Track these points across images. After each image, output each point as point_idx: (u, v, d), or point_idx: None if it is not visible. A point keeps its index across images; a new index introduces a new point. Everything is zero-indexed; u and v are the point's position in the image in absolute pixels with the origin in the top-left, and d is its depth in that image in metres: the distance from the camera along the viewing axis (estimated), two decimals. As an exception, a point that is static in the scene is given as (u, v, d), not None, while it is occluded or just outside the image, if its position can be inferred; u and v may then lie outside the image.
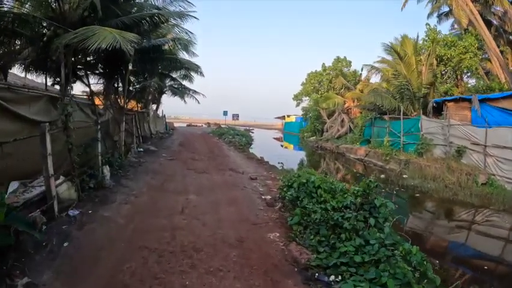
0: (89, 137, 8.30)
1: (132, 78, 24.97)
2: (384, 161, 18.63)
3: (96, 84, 16.08)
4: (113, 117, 11.13)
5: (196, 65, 24.14)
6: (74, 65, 11.70)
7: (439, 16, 28.71)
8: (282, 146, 38.89)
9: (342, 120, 32.01)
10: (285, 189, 8.03)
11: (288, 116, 56.06)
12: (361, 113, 29.79)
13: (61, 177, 6.50)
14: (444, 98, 19.43)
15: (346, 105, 32.92)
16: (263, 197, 8.48)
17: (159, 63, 18.54)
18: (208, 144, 19.56)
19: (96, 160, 8.15)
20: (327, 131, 33.22)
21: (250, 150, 20.60)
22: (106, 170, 8.45)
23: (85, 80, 10.63)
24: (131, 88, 21.12)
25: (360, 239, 5.31)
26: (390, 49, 24.02)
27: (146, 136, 18.75)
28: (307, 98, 46.87)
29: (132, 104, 19.50)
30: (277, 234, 5.66)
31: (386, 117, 22.26)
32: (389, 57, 27.54)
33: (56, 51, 7.75)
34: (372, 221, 5.72)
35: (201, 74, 25.51)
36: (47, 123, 5.32)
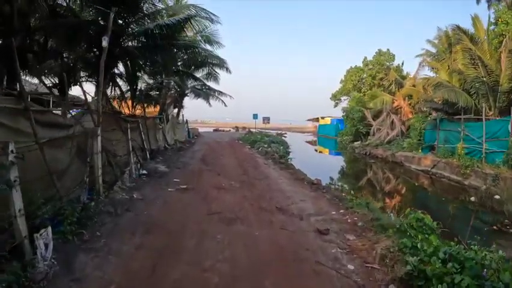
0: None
1: (147, 78, 21.13)
2: (462, 174, 14.26)
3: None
4: (93, 130, 6.81)
5: (221, 58, 19.85)
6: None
7: (489, 0, 23.93)
8: (316, 150, 34.02)
9: (392, 122, 26.97)
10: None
11: (323, 117, 51.04)
12: (412, 113, 25.30)
13: None
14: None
15: (395, 104, 27.79)
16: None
17: (173, 55, 14.28)
18: (239, 158, 14.94)
19: (15, 226, 3.82)
20: (373, 135, 28.33)
21: (289, 161, 15.97)
22: (43, 240, 4.09)
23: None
24: (142, 88, 17.16)
25: None
26: (458, 31, 18.72)
27: (159, 149, 14.54)
28: (347, 97, 41.86)
29: (139, 110, 15.46)
30: None
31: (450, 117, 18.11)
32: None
33: None
34: None
35: (228, 70, 21.18)
36: None
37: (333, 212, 7.40)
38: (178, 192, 7.97)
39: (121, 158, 8.53)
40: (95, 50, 11.07)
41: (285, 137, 36.81)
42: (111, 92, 13.76)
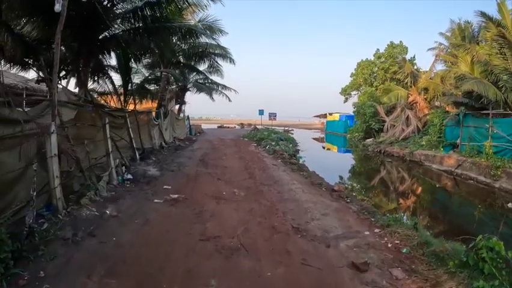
0: None
1: (145, 72, 19.45)
2: (491, 176, 12.64)
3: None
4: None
5: (224, 47, 18.08)
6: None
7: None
8: (324, 148, 32.17)
9: (407, 118, 25.15)
10: None
11: (331, 114, 49.02)
12: (428, 108, 23.81)
13: None
14: None
15: (410, 98, 26.09)
16: None
17: (169, 41, 12.59)
18: (244, 158, 13.11)
19: None
20: (386, 132, 26.51)
21: (301, 162, 14.25)
22: None
23: None
24: (135, 81, 15.49)
25: None
26: (483, 18, 17.01)
27: (154, 148, 12.87)
28: (357, 92, 39.95)
29: (136, 104, 13.84)
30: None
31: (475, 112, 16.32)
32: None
33: None
34: None
35: (232, 60, 19.41)
36: None
37: (366, 232, 5.70)
38: (166, 205, 6.25)
39: (96, 160, 6.87)
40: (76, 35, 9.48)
41: (291, 133, 35.02)
42: (92, 83, 12.10)
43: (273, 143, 17.70)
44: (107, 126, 7.11)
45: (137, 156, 9.95)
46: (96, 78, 12.68)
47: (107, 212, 5.56)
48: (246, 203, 6.67)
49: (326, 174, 12.43)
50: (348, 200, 7.72)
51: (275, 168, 10.98)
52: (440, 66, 25.01)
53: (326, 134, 45.57)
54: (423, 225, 7.25)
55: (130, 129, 9.63)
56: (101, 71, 13.05)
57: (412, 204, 11.38)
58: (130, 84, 13.62)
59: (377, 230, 5.84)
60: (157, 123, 14.20)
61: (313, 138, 40.14)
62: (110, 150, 7.09)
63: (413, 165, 17.97)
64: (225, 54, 18.81)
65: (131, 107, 15.13)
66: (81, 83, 8.90)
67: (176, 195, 6.82)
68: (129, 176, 7.89)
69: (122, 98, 14.20)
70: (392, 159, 20.63)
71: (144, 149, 11.09)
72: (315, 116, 67.12)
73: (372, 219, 6.50)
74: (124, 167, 8.41)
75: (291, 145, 18.87)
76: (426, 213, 10.24)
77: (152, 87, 19.98)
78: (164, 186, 7.55)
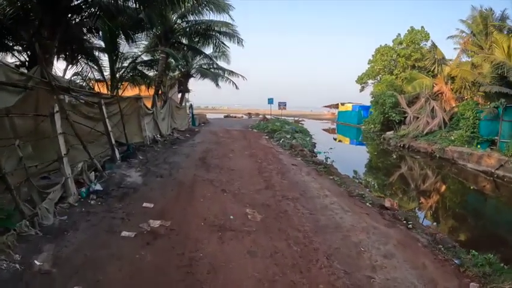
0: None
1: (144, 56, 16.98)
2: None
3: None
4: None
5: (230, 24, 15.55)
6: None
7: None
8: (335, 139, 29.83)
9: (432, 110, 22.58)
10: None
11: (343, 104, 46.62)
12: (454, 99, 21.66)
13: None
14: None
15: (435, 88, 23.62)
16: None
17: (160, 10, 10.13)
18: (257, 155, 10.53)
19: None
20: (408, 124, 24.03)
21: (319, 156, 11.90)
22: None
23: None
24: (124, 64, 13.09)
25: None
26: None
27: (145, 143, 10.53)
28: (374, 81, 37.28)
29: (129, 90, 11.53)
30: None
31: None
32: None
33: None
34: None
35: (240, 41, 16.83)
36: None
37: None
38: (138, 245, 3.83)
39: (38, 169, 4.55)
40: None
41: (302, 124, 32.67)
42: (56, 58, 9.79)
43: (288, 136, 15.20)
44: (58, 116, 4.73)
45: (117, 155, 7.59)
46: (74, 57, 10.35)
47: (37, 262, 3.25)
48: (266, 238, 4.28)
49: (351, 173, 10.15)
50: (410, 225, 5.32)
51: (297, 171, 8.54)
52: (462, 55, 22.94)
53: (338, 125, 43.31)
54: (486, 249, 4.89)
55: (107, 120, 7.27)
56: (80, 51, 10.75)
57: (465, 219, 8.89)
58: (118, 65, 11.27)
59: (474, 286, 3.51)
60: (150, 112, 11.83)
61: (324, 130, 37.70)
62: (63, 152, 4.73)
63: (445, 164, 15.61)
64: (232, 34, 16.27)
65: (126, 93, 12.90)
66: (40, 60, 6.55)
67: (158, 222, 4.45)
68: (97, 187, 5.54)
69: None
70: (419, 155, 18.21)
71: (129, 145, 8.74)
72: (325, 106, 64.60)
73: (456, 262, 4.16)
74: (94, 173, 6.10)
75: (308, 138, 16.42)
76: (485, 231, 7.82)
77: (151, 72, 17.66)
78: (144, 204, 5.17)
